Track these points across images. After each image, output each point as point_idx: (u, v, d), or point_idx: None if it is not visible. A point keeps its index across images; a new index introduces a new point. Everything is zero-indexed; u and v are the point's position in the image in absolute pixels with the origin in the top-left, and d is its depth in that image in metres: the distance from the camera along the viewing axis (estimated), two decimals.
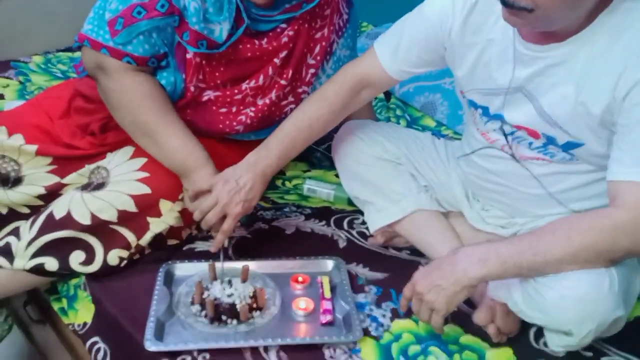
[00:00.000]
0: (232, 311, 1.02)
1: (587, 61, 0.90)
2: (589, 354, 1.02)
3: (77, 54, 2.05)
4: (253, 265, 1.14)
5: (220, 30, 1.17)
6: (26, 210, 1.27)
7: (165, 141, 1.16)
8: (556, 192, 1.05)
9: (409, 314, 1.04)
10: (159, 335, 1.00)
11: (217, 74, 1.23)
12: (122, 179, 1.18)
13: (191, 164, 1.15)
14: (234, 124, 1.28)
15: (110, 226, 1.14)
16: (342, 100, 1.17)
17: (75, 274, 1.17)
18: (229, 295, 1.04)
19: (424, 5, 1.09)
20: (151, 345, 0.97)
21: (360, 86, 1.17)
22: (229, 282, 1.07)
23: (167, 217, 1.17)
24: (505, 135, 1.04)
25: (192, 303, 1.05)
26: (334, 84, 1.18)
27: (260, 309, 1.05)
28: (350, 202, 1.36)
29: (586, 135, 0.94)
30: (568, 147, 0.98)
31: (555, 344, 0.97)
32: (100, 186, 1.18)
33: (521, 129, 1.01)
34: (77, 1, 2.00)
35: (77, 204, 1.14)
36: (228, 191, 1.11)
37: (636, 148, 0.87)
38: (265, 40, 1.24)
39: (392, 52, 1.13)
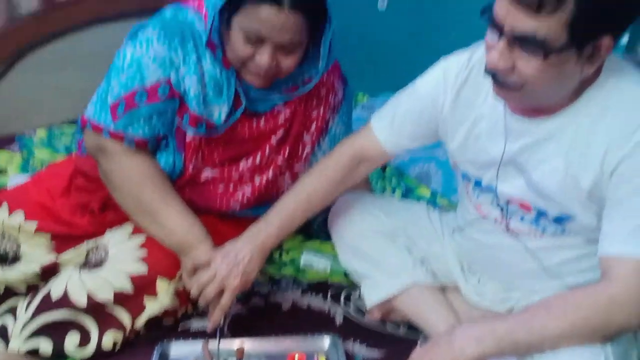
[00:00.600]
0: None
1: (575, 136, 0.92)
2: None
3: None
4: (249, 343, 1.13)
5: (219, 112, 1.21)
6: (23, 289, 1.27)
7: (165, 220, 1.18)
8: (550, 266, 1.06)
9: None
10: None
11: (215, 154, 1.27)
12: (120, 258, 1.19)
13: (190, 241, 1.17)
14: (232, 202, 1.31)
15: (106, 307, 1.14)
16: (339, 175, 1.20)
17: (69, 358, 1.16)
18: None
19: (418, 82, 1.14)
20: None
21: (357, 160, 1.20)
22: None
23: (163, 297, 1.18)
24: (499, 208, 1.06)
25: None
26: (332, 158, 1.22)
27: None
28: (347, 275, 1.37)
29: (576, 209, 0.96)
30: (559, 220, 0.99)
31: None
32: (98, 264, 1.19)
33: (513, 202, 1.03)
34: (83, 77, 2.07)
35: (74, 284, 1.15)
36: (227, 264, 1.12)
37: (625, 223, 0.88)
38: (263, 120, 1.28)
39: (387, 127, 1.16)
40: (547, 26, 0.80)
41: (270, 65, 1.14)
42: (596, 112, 0.91)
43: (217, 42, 1.17)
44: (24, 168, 1.84)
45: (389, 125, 1.16)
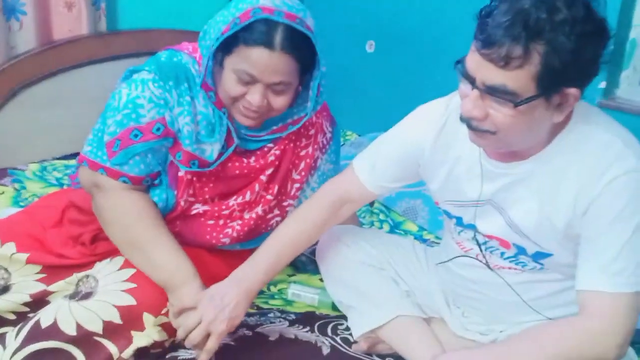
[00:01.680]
0: None
1: (547, 179, 0.98)
2: None
3: (73, 162, 2.14)
4: None
5: (211, 150, 1.25)
6: (12, 317, 1.28)
7: (154, 256, 1.20)
8: (530, 300, 1.09)
9: None
10: None
11: (206, 189, 1.30)
12: (109, 289, 1.20)
13: (178, 280, 1.18)
14: (221, 236, 1.33)
15: (95, 338, 1.15)
16: (323, 217, 1.24)
17: None
18: None
19: (399, 125, 1.19)
20: None
21: (340, 203, 1.24)
22: None
23: (150, 331, 1.18)
24: (479, 245, 1.10)
25: None
26: (315, 201, 1.25)
27: None
28: (334, 306, 1.38)
29: (554, 247, 1.00)
30: (538, 257, 1.03)
31: None
32: (88, 295, 1.20)
33: (493, 239, 1.07)
34: (76, 115, 2.12)
35: (64, 314, 1.16)
36: (213, 308, 1.12)
37: (600, 258, 0.93)
38: (253, 158, 1.32)
39: (370, 169, 1.20)
40: (516, 79, 0.86)
41: (261, 104, 1.18)
42: (566, 156, 0.96)
43: (211, 84, 1.22)
44: (16, 201, 1.85)
45: (371, 167, 1.20)
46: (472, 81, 0.90)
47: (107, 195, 1.23)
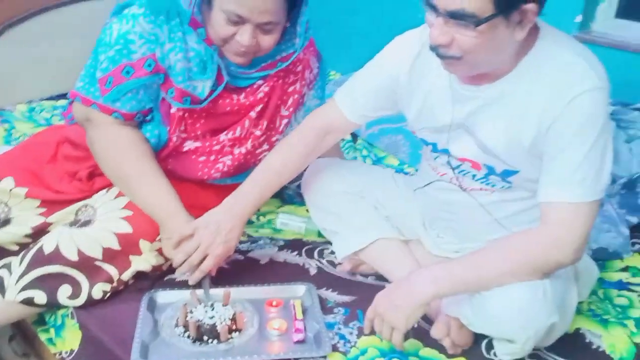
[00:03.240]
0: (213, 332, 1.11)
1: (514, 99, 1.05)
2: None
3: (60, 102, 2.16)
4: (231, 291, 1.23)
5: (203, 87, 1.28)
6: (15, 247, 1.34)
7: (140, 191, 1.25)
8: (500, 218, 1.18)
9: (372, 333, 1.13)
10: (144, 355, 1.08)
11: (197, 125, 1.34)
12: (107, 217, 1.26)
13: (164, 213, 1.23)
14: (212, 171, 1.38)
15: (96, 263, 1.22)
16: (307, 147, 1.30)
17: (62, 306, 1.24)
18: (211, 318, 1.13)
19: (377, 57, 1.25)
20: None
21: (324, 132, 1.30)
22: (212, 306, 1.16)
23: (147, 255, 1.25)
24: (452, 169, 1.18)
25: (177, 325, 1.14)
26: (300, 132, 1.31)
27: (239, 330, 1.14)
28: (320, 234, 1.47)
29: (520, 163, 1.09)
30: (505, 174, 1.12)
31: (503, 352, 1.08)
32: (87, 223, 1.26)
33: (465, 162, 1.15)
34: (61, 52, 2.12)
35: (65, 240, 1.22)
36: (210, 233, 1.19)
37: (560, 172, 1.01)
38: (243, 95, 1.36)
39: (350, 100, 1.26)
40: (473, 1, 0.91)
41: (251, 44, 1.21)
42: (532, 77, 1.02)
43: (200, 21, 1.23)
44: (7, 140, 1.89)
45: (352, 98, 1.26)
46: (435, 9, 0.96)
47: (98, 128, 1.27)
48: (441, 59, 1.02)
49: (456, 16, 0.94)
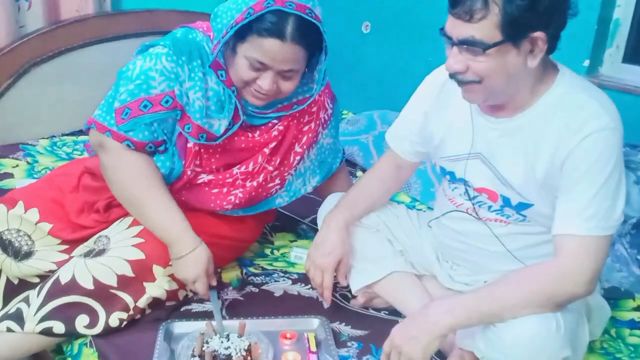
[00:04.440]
0: None
1: (531, 134, 1.10)
2: None
3: (81, 138, 2.23)
4: (246, 323, 1.25)
5: (219, 125, 1.33)
6: (36, 280, 1.38)
7: (149, 213, 1.28)
8: (514, 250, 1.21)
9: None
10: None
11: (212, 160, 1.39)
12: (120, 245, 1.29)
13: (173, 234, 1.26)
14: (224, 203, 1.41)
15: (111, 290, 1.24)
16: (386, 176, 1.40)
17: (81, 335, 1.26)
18: (226, 348, 1.14)
19: (412, 96, 1.34)
20: None
21: (396, 167, 1.39)
22: (227, 337, 1.18)
23: (161, 281, 1.28)
24: (469, 199, 1.21)
25: (193, 355, 1.15)
26: (379, 165, 1.43)
27: None
28: None
29: (534, 197, 1.13)
30: (520, 207, 1.15)
31: None
32: (101, 252, 1.29)
33: (482, 192, 1.19)
34: (82, 91, 2.20)
35: (80, 270, 1.25)
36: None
37: (573, 205, 1.04)
38: (258, 132, 1.40)
39: (398, 142, 1.36)
40: (481, 29, 1.01)
41: (271, 89, 1.26)
42: (548, 114, 1.08)
43: (222, 64, 1.29)
44: (30, 174, 1.95)
45: (398, 140, 1.36)
46: (450, 40, 1.05)
47: (110, 154, 1.30)
48: (461, 86, 1.09)
49: (467, 43, 1.02)
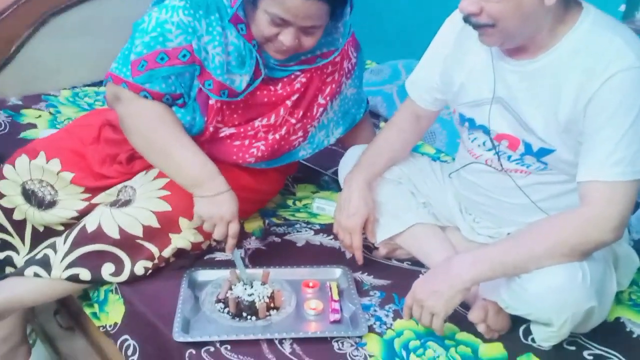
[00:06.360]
0: (251, 308, 1.14)
1: (553, 77, 1.05)
2: (572, 348, 1.12)
3: (102, 89, 2.21)
4: (270, 272, 1.25)
5: (241, 81, 1.30)
6: (61, 228, 1.40)
7: (178, 155, 1.26)
8: (537, 201, 1.18)
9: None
10: (186, 329, 1.11)
11: (235, 115, 1.37)
12: (146, 197, 1.29)
13: (206, 173, 1.25)
14: (247, 156, 1.40)
15: (137, 241, 1.26)
16: (407, 125, 1.38)
17: (106, 282, 1.29)
18: (250, 295, 1.16)
19: (431, 43, 1.29)
20: (179, 336, 1.08)
21: (416, 117, 1.37)
22: (251, 284, 1.19)
23: (186, 233, 1.29)
24: (488, 150, 1.18)
25: (217, 301, 1.17)
26: (399, 116, 1.39)
27: (276, 308, 1.17)
28: None
29: (557, 142, 1.08)
30: (541, 153, 1.11)
31: (540, 337, 1.08)
32: (127, 203, 1.29)
33: (503, 139, 1.15)
34: (103, 42, 2.17)
35: (107, 219, 1.26)
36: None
37: (598, 151, 1.00)
38: (280, 85, 1.37)
39: (417, 91, 1.33)
40: None
41: (293, 44, 1.23)
42: (571, 54, 1.03)
43: (243, 16, 1.25)
44: (53, 124, 1.96)
45: (417, 88, 1.32)
46: None
47: (127, 104, 1.28)
48: (476, 29, 1.04)
49: None
